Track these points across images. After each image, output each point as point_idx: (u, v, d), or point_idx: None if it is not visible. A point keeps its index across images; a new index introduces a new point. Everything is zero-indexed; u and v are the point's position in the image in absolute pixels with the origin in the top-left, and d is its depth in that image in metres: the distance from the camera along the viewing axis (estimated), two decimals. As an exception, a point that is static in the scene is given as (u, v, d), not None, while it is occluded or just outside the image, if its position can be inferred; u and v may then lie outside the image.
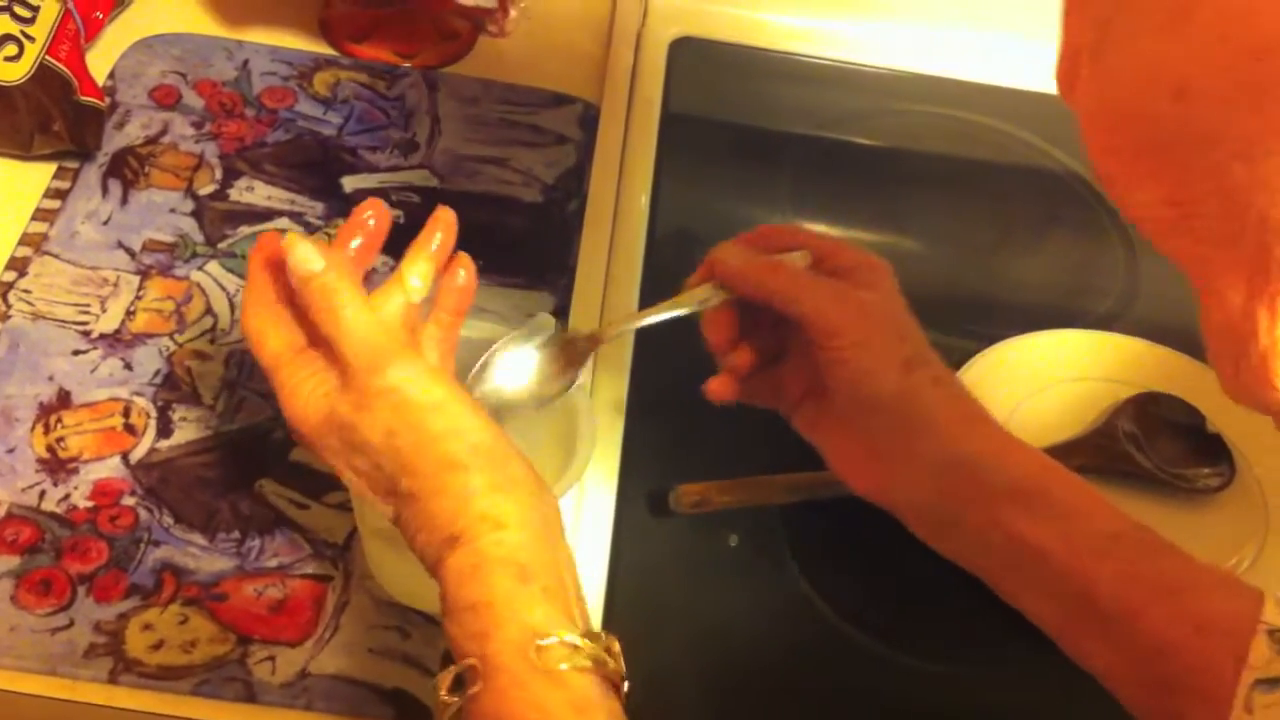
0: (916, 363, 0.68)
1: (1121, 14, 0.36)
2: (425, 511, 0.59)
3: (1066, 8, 0.40)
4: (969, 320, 0.96)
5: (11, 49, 0.92)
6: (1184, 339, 0.92)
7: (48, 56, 0.92)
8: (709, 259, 0.71)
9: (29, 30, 0.93)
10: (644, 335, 0.88)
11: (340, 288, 0.62)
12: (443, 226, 0.69)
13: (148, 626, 0.72)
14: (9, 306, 0.85)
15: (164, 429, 0.81)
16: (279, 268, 0.65)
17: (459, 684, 0.55)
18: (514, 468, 0.60)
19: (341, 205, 0.95)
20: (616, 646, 0.56)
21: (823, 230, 1.00)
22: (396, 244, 0.92)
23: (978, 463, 0.66)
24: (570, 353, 0.72)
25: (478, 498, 0.58)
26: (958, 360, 0.90)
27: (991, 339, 0.92)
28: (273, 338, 0.64)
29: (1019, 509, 0.65)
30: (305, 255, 0.63)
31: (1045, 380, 0.89)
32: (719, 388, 0.71)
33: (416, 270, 0.67)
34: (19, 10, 0.93)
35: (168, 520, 0.77)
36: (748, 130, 1.11)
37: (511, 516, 0.58)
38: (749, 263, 0.70)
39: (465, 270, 0.69)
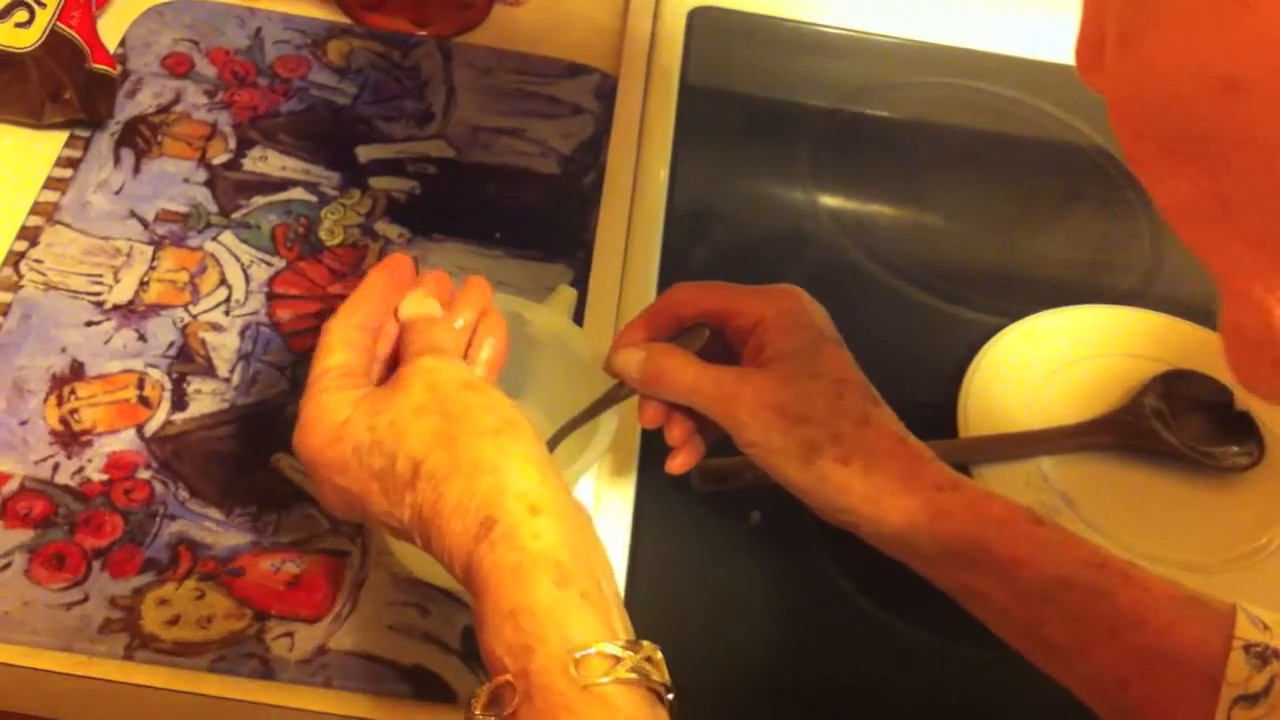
0: (818, 446, 0.65)
1: None
2: (458, 490, 0.56)
3: None
4: (991, 295, 0.95)
5: (22, 15, 0.90)
6: (1210, 315, 0.91)
7: (59, 23, 0.91)
8: (611, 359, 0.71)
9: (40, -4, 0.91)
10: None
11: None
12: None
13: (163, 602, 0.71)
14: (21, 276, 0.84)
15: (179, 402, 0.80)
16: (389, 293, 0.65)
17: (495, 701, 0.53)
18: (545, 449, 0.59)
19: (356, 176, 0.94)
20: (659, 656, 0.54)
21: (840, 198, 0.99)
22: (412, 215, 0.92)
23: (904, 535, 0.65)
24: None
25: (515, 470, 0.56)
26: (981, 336, 0.89)
27: (1015, 315, 0.91)
28: (339, 354, 0.62)
29: (957, 566, 0.64)
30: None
31: (1070, 357, 0.88)
32: (673, 466, 0.72)
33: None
34: (29, -24, 0.92)
35: (183, 494, 0.76)
36: (767, 101, 1.09)
37: (548, 501, 0.55)
38: (644, 373, 0.69)
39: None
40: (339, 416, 0.59)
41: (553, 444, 0.71)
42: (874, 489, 0.65)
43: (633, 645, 0.53)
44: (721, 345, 0.71)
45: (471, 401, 0.58)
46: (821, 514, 0.68)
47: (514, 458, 0.56)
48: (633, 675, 0.52)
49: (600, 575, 0.56)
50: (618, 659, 0.52)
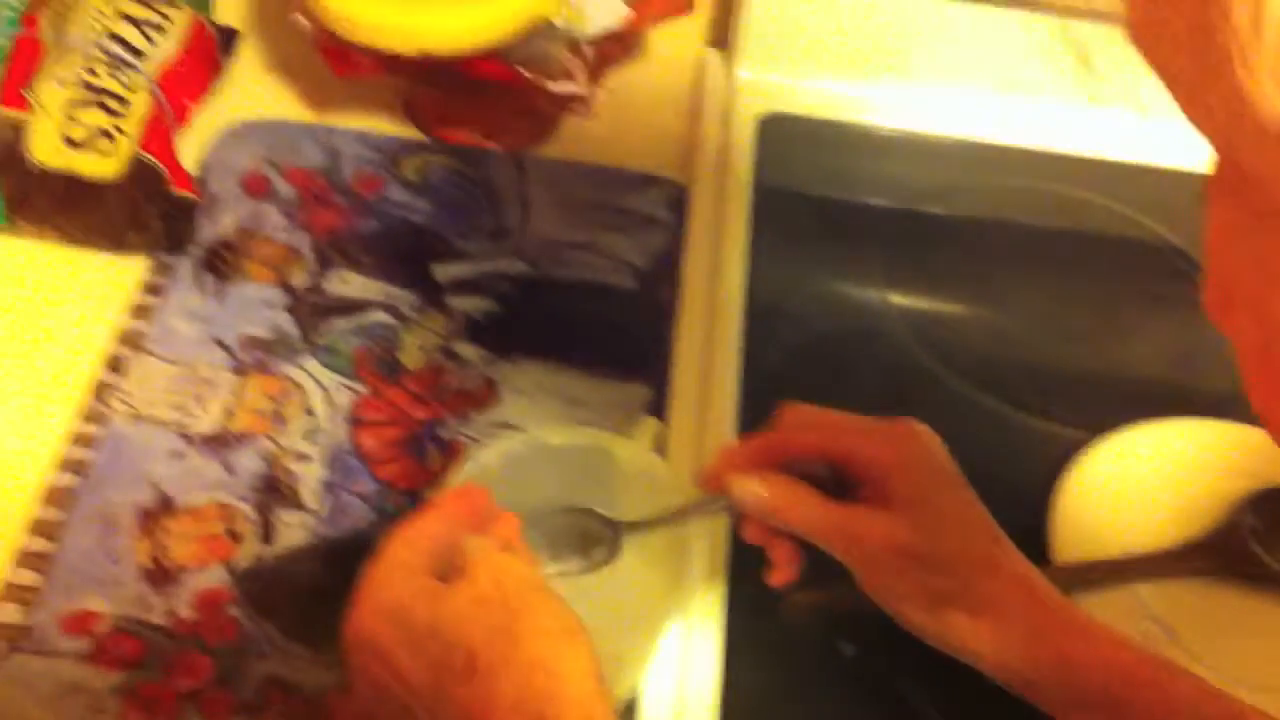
0: (947, 595, 0.65)
1: None
2: (512, 689, 0.54)
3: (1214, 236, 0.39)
4: (1073, 406, 0.93)
5: (104, 144, 0.91)
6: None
7: (141, 150, 0.92)
8: (720, 474, 0.70)
9: (121, 124, 0.92)
10: (750, 424, 0.87)
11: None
12: None
13: (256, 745, 0.71)
14: (109, 409, 0.84)
15: (267, 535, 0.80)
16: (461, 516, 0.63)
17: None
18: (598, 661, 0.57)
19: (434, 295, 0.94)
20: None
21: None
22: (490, 335, 0.92)
23: (1030, 682, 0.65)
24: (595, 536, 0.72)
25: (575, 678, 0.55)
26: (1063, 450, 0.88)
27: (1098, 426, 0.89)
28: (401, 551, 0.61)
29: (1091, 716, 0.63)
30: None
31: (1162, 474, 0.86)
32: (775, 579, 0.71)
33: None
34: (110, 104, 0.93)
35: (272, 631, 0.75)
36: (841, 205, 1.09)
37: (602, 716, 0.54)
38: (764, 505, 0.68)
39: None
40: (398, 601, 0.58)
41: (631, 529, 0.71)
42: (1001, 640, 0.65)
43: None
44: (834, 473, 0.70)
45: (535, 601, 0.57)
46: (941, 649, 0.67)
47: (574, 666, 0.55)
48: None
49: None
50: None
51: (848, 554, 0.67)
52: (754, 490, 0.68)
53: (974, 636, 0.65)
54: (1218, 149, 0.37)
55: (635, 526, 0.71)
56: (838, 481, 0.69)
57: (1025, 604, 0.65)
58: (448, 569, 0.60)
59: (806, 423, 0.71)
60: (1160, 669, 0.63)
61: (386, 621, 0.58)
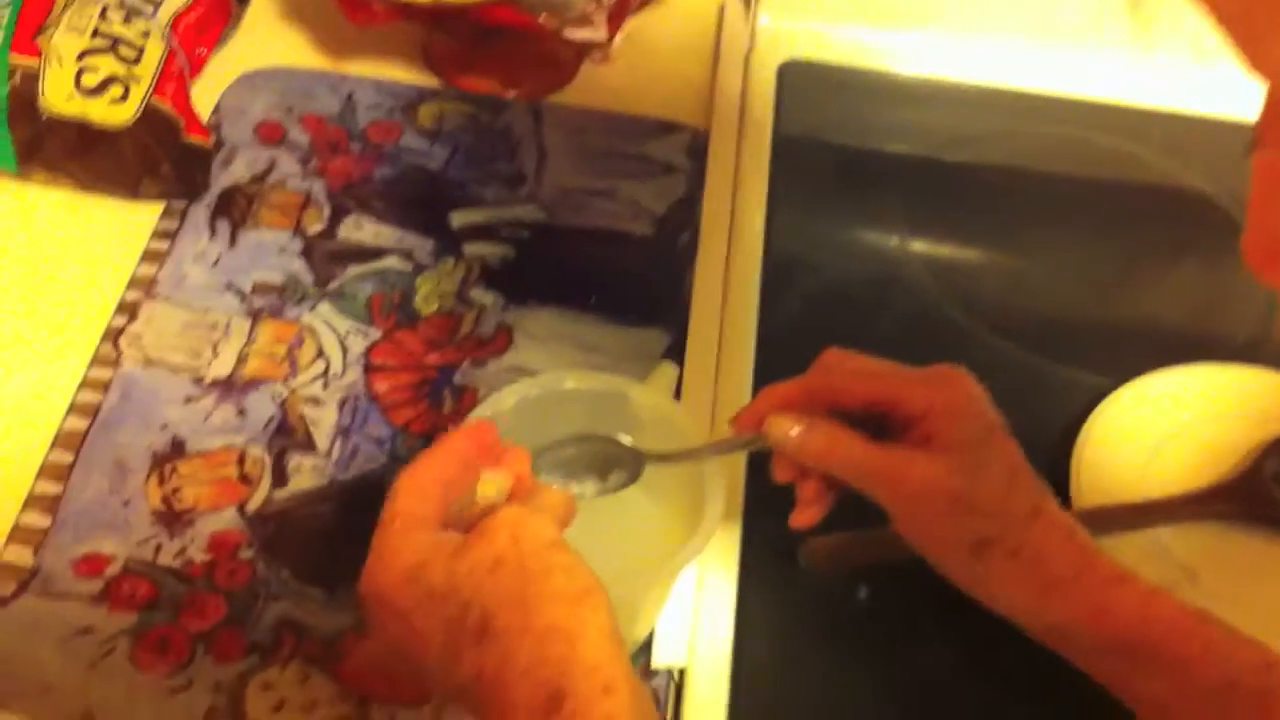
0: (988, 540, 0.64)
1: None
2: (526, 655, 0.53)
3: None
4: (1098, 352, 0.92)
5: (117, 90, 0.91)
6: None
7: (154, 97, 0.91)
8: (759, 415, 0.68)
9: (135, 71, 0.92)
10: (766, 372, 0.86)
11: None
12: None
13: (268, 686, 0.71)
14: (120, 353, 0.84)
15: (279, 478, 0.79)
16: (470, 454, 0.62)
17: None
18: (616, 619, 0.55)
19: (449, 242, 0.93)
20: None
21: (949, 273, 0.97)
22: (506, 281, 0.91)
23: (1065, 630, 0.64)
24: (614, 461, 0.71)
25: (590, 642, 0.53)
26: (1086, 396, 0.87)
27: (1121, 373, 0.88)
28: (407, 500, 0.59)
29: (1119, 663, 0.63)
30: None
31: (1187, 420, 0.85)
32: (801, 520, 0.70)
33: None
34: (124, 51, 0.92)
35: (285, 574, 0.75)
36: (862, 153, 1.07)
37: (620, 679, 0.53)
38: (805, 446, 0.67)
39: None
40: (415, 559, 0.56)
41: (652, 459, 0.71)
42: (1040, 586, 0.64)
43: None
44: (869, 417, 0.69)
45: (553, 561, 0.55)
46: (976, 599, 0.67)
47: (590, 628, 0.53)
48: None
49: None
50: None
51: (889, 495, 0.66)
52: (792, 429, 0.67)
53: (1010, 581, 0.64)
54: (1274, 93, 0.36)
55: (656, 457, 0.71)
56: (874, 425, 0.68)
57: (1064, 549, 0.64)
58: (461, 512, 0.60)
59: (847, 367, 0.69)
60: (1193, 617, 0.62)
61: (403, 580, 0.56)
